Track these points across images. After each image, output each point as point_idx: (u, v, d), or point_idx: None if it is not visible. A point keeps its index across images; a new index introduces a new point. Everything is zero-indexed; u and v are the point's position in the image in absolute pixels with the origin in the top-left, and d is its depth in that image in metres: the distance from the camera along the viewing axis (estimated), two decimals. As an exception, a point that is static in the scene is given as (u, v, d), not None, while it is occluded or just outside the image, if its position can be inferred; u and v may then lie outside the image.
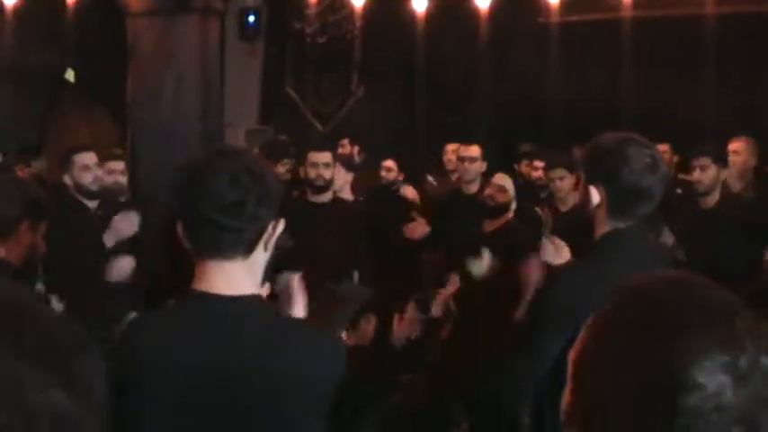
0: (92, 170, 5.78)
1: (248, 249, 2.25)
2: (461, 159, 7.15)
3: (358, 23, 11.87)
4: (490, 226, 6.07)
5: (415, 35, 11.01)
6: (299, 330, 2.39)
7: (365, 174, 9.31)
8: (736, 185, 7.05)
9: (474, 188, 6.99)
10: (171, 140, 7.71)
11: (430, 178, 9.24)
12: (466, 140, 7.60)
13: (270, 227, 2.28)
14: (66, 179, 5.80)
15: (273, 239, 2.30)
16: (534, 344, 2.98)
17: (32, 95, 10.26)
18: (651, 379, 1.12)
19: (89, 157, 5.81)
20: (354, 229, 6.34)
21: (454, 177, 8.14)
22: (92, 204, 5.83)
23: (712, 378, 1.10)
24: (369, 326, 4.99)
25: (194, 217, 2.22)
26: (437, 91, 11.40)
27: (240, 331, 2.23)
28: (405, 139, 11.10)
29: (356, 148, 10.05)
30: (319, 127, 12.27)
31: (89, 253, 5.50)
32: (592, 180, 3.05)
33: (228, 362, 2.19)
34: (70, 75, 10.74)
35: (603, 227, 3.06)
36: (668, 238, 5.75)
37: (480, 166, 6.98)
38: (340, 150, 9.91)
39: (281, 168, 7.41)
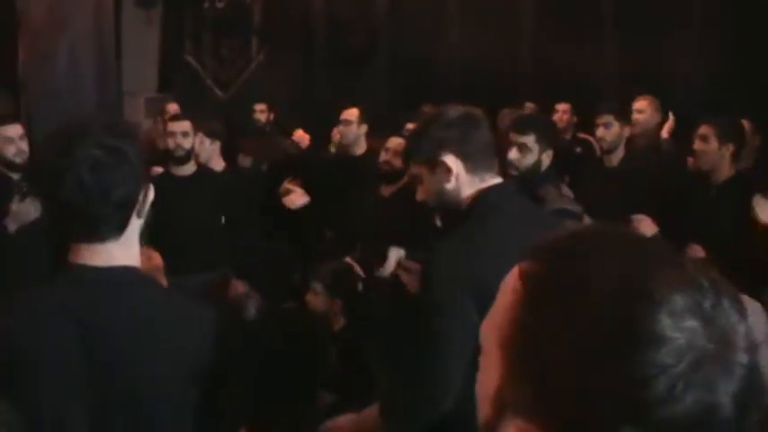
0: (15, 142, 5.74)
1: (121, 229, 2.18)
2: (340, 122, 7.14)
3: (257, -13, 11.77)
4: (386, 191, 6.06)
5: (315, -2, 10.95)
6: (174, 300, 2.35)
7: (268, 140, 9.25)
8: (641, 143, 7.16)
9: (359, 150, 7.00)
10: (67, 110, 7.53)
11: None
12: (366, 103, 7.60)
13: (140, 197, 2.21)
14: None
15: (146, 207, 2.24)
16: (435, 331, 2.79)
17: None
18: (613, 339, 0.97)
19: (13, 130, 5.74)
20: (222, 201, 6.20)
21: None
22: (15, 176, 5.76)
23: (680, 325, 0.97)
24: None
25: (60, 206, 2.15)
26: (337, 54, 11.34)
27: (115, 301, 2.17)
28: (306, 103, 11.03)
29: (271, 114, 9.97)
30: (220, 93, 12.14)
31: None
32: (441, 151, 2.96)
33: (102, 333, 2.14)
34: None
35: (468, 190, 2.96)
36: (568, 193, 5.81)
37: (358, 129, 6.98)
38: (256, 116, 9.83)
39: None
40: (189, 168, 6.14)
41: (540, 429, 1.03)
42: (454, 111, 2.99)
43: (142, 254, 2.37)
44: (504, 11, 10.08)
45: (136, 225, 2.23)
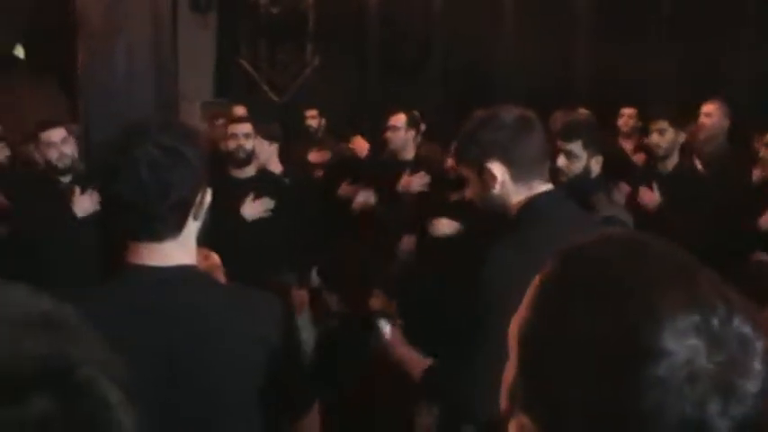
0: (57, 146, 5.78)
1: (178, 229, 2.21)
2: (387, 128, 7.14)
3: (311, -7, 11.82)
4: (455, 196, 6.04)
5: (369, 3, 10.96)
6: (235, 294, 2.36)
7: (324, 145, 9.29)
8: (707, 148, 7.06)
9: (408, 155, 7.01)
10: (124, 113, 7.58)
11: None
12: (419, 108, 7.62)
13: (197, 199, 2.23)
14: (37, 156, 5.82)
15: (203, 209, 2.26)
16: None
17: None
18: (612, 348, 0.99)
19: (54, 134, 5.81)
20: (282, 204, 6.14)
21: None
22: (65, 179, 5.81)
23: (682, 342, 0.97)
24: None
25: (119, 206, 2.17)
26: (392, 60, 11.36)
27: (176, 299, 2.19)
28: (360, 108, 11.06)
29: (323, 120, 10.02)
30: (274, 98, 12.20)
31: (60, 227, 5.50)
32: (486, 158, 2.91)
33: (165, 332, 2.15)
34: (19, 51, 10.60)
35: (517, 197, 2.92)
36: (619, 201, 5.73)
37: (406, 135, 6.98)
38: (308, 121, 9.88)
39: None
40: (249, 171, 6.12)
41: (531, 422, 1.07)
42: (506, 114, 2.92)
43: (199, 253, 2.39)
44: (558, 14, 10.04)
45: (193, 227, 2.25)
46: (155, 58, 7.94)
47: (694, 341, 0.98)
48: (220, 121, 8.81)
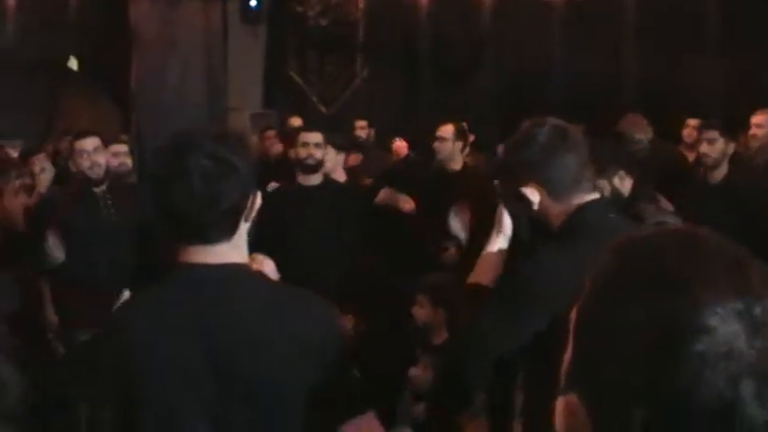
0: (90, 156, 5.79)
1: (231, 233, 2.25)
2: (436, 138, 7.18)
3: (360, 5, 11.86)
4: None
5: (418, 15, 11.00)
6: (287, 294, 2.38)
7: (375, 154, 9.33)
8: (758, 159, 7.00)
9: (456, 166, 7.04)
10: (176, 125, 7.69)
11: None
12: (469, 119, 7.65)
13: (248, 203, 2.27)
14: (71, 165, 5.86)
15: (254, 212, 2.29)
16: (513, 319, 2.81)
17: (36, 84, 10.25)
18: (660, 326, 1.03)
19: (87, 143, 5.81)
20: (345, 212, 6.21)
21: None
22: (98, 189, 5.87)
23: (724, 324, 1.01)
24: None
25: (171, 214, 2.22)
26: (441, 71, 11.38)
27: (229, 296, 2.23)
28: (409, 119, 11.08)
29: (372, 131, 10.09)
30: (323, 109, 12.26)
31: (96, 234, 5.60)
32: (519, 183, 2.87)
33: (219, 328, 2.20)
34: (73, 63, 10.74)
35: (559, 212, 2.87)
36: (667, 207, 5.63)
37: (454, 146, 7.01)
38: (357, 132, 9.95)
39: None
40: (316, 179, 6.22)
41: (578, 400, 1.12)
42: (540, 132, 2.84)
43: (254, 259, 2.44)
44: (607, 24, 10.02)
45: (243, 228, 2.29)
46: (206, 71, 8.07)
47: (735, 326, 1.01)
48: (270, 133, 8.90)
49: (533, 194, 2.83)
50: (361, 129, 10.00)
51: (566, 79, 10.00)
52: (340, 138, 7.17)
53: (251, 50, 12.15)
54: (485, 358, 2.89)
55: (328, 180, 6.46)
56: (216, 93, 8.31)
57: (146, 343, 2.21)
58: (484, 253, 3.08)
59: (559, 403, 1.17)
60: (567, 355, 1.18)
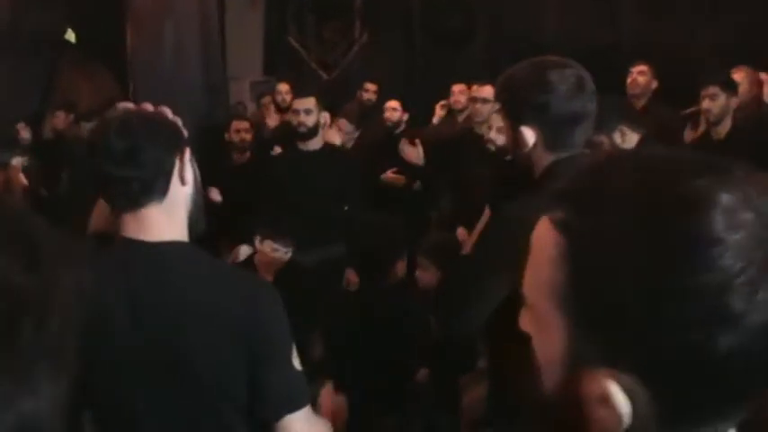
0: None
1: (161, 193, 2.19)
2: (473, 100, 7.13)
3: (357, -30, 11.80)
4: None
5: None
6: (221, 274, 2.31)
7: (374, 119, 9.28)
8: (741, 115, 6.95)
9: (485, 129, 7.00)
10: (173, 94, 7.64)
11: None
12: (470, 81, 7.60)
13: (176, 162, 2.21)
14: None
15: (188, 172, 2.24)
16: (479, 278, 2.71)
17: (33, 59, 10.21)
18: (673, 257, 0.91)
19: None
20: (346, 175, 6.21)
21: (461, 118, 8.09)
22: None
23: (737, 220, 0.90)
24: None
25: (97, 173, 2.18)
26: (437, 33, 11.31)
27: (157, 276, 2.18)
28: (410, 83, 11.02)
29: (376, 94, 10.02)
30: (324, 75, 12.21)
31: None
32: (520, 119, 2.75)
33: (150, 310, 2.16)
34: (71, 35, 10.69)
35: (542, 161, 2.76)
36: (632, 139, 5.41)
37: (492, 107, 6.95)
38: (366, 96, 9.86)
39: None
40: (316, 143, 6.20)
41: (623, 372, 0.96)
42: (561, 79, 2.70)
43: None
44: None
45: (180, 192, 2.24)
46: (203, 38, 8.00)
47: (746, 215, 0.92)
48: (266, 99, 8.87)
49: (530, 137, 2.72)
50: (372, 92, 9.89)
51: (562, 39, 9.91)
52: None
53: (250, 18, 12.10)
54: (459, 315, 2.81)
55: (328, 144, 6.45)
56: (213, 60, 8.23)
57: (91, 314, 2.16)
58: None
59: (591, 388, 0.99)
60: (555, 340, 1.03)
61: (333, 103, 9.65)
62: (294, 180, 6.03)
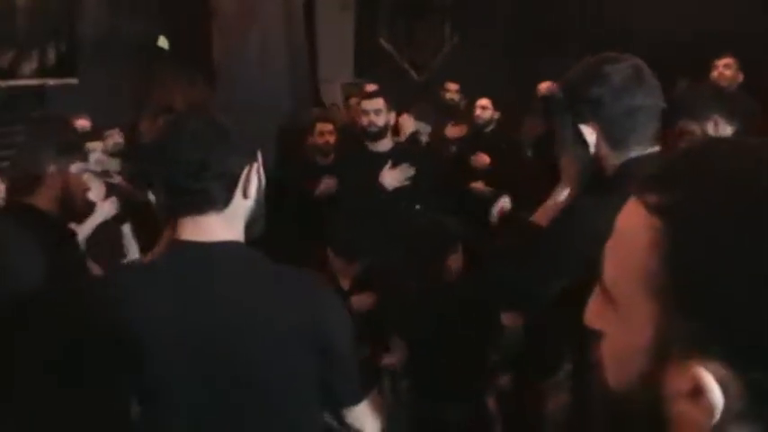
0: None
1: (223, 203, 2.21)
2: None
3: (448, -30, 11.78)
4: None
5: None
6: (278, 275, 2.28)
7: (464, 118, 9.25)
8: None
9: None
10: (259, 98, 7.74)
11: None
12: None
13: (243, 175, 2.23)
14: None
15: (253, 186, 2.25)
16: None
17: (129, 66, 10.43)
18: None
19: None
20: (418, 175, 6.10)
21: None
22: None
23: None
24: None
25: (162, 180, 2.20)
26: (529, 34, 11.22)
27: (215, 275, 2.18)
28: (501, 83, 10.95)
29: (461, 95, 9.99)
30: (415, 76, 12.22)
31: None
32: (579, 120, 2.65)
33: (205, 308, 2.15)
34: (164, 42, 10.87)
35: (611, 163, 2.65)
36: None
37: None
38: (448, 95, 9.86)
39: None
40: (385, 144, 6.19)
41: (718, 364, 0.90)
42: (617, 72, 2.60)
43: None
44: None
45: (241, 204, 2.25)
46: (287, 43, 8.06)
47: None
48: (354, 100, 8.89)
49: (591, 135, 2.63)
50: (454, 92, 9.89)
51: (657, 34, 9.75)
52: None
53: (341, 21, 12.17)
54: (505, 290, 2.83)
55: (398, 144, 6.41)
56: (299, 64, 8.29)
57: (132, 314, 2.18)
58: (547, 202, 2.95)
59: (678, 383, 0.94)
60: (641, 329, 0.97)
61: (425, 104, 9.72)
62: (363, 182, 6.00)
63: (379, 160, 6.11)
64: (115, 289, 2.25)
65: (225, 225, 2.22)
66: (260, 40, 7.92)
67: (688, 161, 0.97)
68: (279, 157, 7.84)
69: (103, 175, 6.45)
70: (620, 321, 1.02)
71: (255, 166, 2.26)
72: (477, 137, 8.58)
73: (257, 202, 2.28)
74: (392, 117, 6.27)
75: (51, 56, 10.02)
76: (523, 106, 8.89)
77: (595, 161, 2.68)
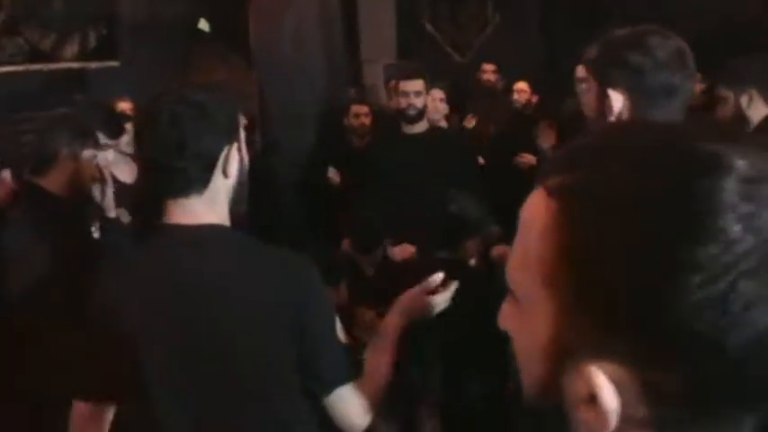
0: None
1: (202, 184, 2.20)
2: (578, 80, 6.96)
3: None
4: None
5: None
6: (261, 256, 2.29)
7: (504, 101, 9.16)
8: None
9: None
10: (295, 80, 7.72)
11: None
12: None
13: (222, 155, 2.22)
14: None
15: (233, 165, 2.24)
16: None
17: (170, 49, 10.46)
18: (671, 232, 0.77)
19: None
20: (453, 158, 6.01)
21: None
22: None
23: (756, 193, 0.76)
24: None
25: (144, 160, 2.21)
26: (573, 15, 11.07)
27: (199, 258, 2.19)
28: (543, 64, 10.85)
29: (500, 77, 9.87)
30: (457, 57, 12.14)
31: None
32: (610, 83, 2.57)
33: (188, 291, 2.16)
34: (204, 25, 10.88)
35: None
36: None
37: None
38: (485, 77, 9.74)
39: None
40: (420, 126, 6.11)
41: (614, 364, 0.82)
42: (662, 47, 2.52)
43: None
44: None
45: (222, 184, 2.24)
46: (322, 24, 8.02)
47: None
48: (393, 82, 8.82)
49: (617, 101, 2.54)
50: (491, 73, 9.75)
51: (699, 17, 9.59)
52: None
53: (383, 1, 12.09)
54: None
55: (433, 127, 6.31)
56: (334, 45, 8.24)
57: (119, 300, 2.19)
58: None
59: (576, 385, 0.86)
60: (540, 325, 0.88)
61: (467, 86, 9.62)
62: (397, 166, 5.91)
63: (414, 143, 6.03)
64: (107, 274, 2.28)
65: (207, 207, 2.22)
66: (294, 20, 7.88)
67: (593, 143, 0.89)
68: (316, 139, 7.82)
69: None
70: (523, 320, 0.93)
71: (236, 145, 2.24)
72: (518, 121, 8.49)
73: (240, 182, 2.28)
74: (429, 99, 6.19)
75: (92, 39, 10.05)
76: (564, 87, 8.80)
77: None
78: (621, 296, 0.79)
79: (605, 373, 0.82)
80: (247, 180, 2.36)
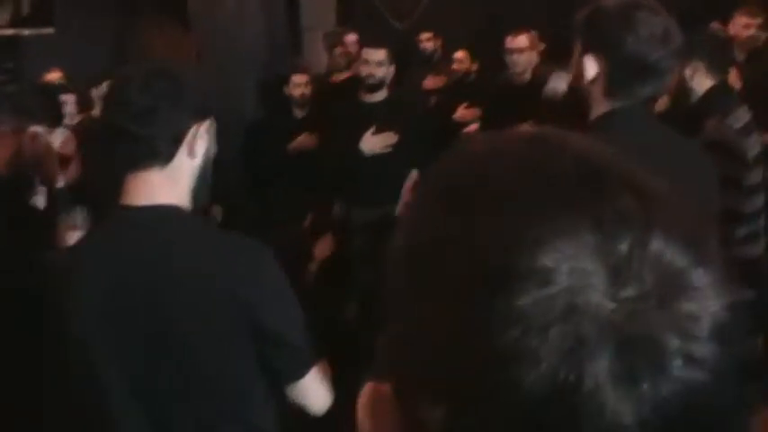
0: None
1: (166, 158, 2.16)
2: (509, 51, 6.99)
3: None
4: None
5: None
6: (217, 240, 2.26)
7: (443, 69, 9.14)
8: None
9: (525, 78, 6.89)
10: (234, 46, 7.64)
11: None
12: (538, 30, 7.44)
13: (190, 132, 2.17)
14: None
15: (200, 145, 2.19)
16: None
17: (105, 16, 10.30)
18: (465, 266, 0.67)
19: None
20: (410, 127, 6.02)
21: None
22: None
23: (569, 262, 0.64)
24: None
25: (108, 127, 2.17)
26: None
27: (154, 242, 2.15)
28: (484, 32, 10.82)
29: (439, 44, 9.84)
30: (397, 25, 12.08)
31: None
32: (589, 49, 2.57)
33: (146, 275, 2.11)
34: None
35: (599, 107, 2.59)
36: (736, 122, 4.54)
37: (529, 56, 6.87)
38: (422, 45, 9.72)
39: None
40: (380, 95, 6.09)
41: (392, 392, 0.77)
42: (642, 13, 2.52)
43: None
44: None
45: (186, 163, 2.19)
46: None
47: (588, 265, 0.64)
48: (338, 51, 8.75)
49: (591, 68, 2.56)
50: (427, 41, 9.73)
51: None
52: None
53: (323, -32, 12.00)
54: None
55: (392, 95, 6.28)
56: (275, 14, 8.16)
57: (74, 282, 2.16)
58: None
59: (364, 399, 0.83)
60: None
61: (405, 53, 9.56)
62: (355, 133, 5.91)
63: (373, 111, 6.03)
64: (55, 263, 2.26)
65: (167, 184, 2.18)
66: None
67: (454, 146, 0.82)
68: (257, 108, 7.76)
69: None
70: None
71: (206, 125, 2.20)
72: (459, 87, 8.48)
73: (204, 168, 2.24)
74: (392, 70, 6.16)
75: (26, 5, 9.83)
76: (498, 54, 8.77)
77: (583, 96, 2.63)
78: (420, 326, 0.72)
79: (433, 418, 0.71)
80: (211, 174, 2.32)
